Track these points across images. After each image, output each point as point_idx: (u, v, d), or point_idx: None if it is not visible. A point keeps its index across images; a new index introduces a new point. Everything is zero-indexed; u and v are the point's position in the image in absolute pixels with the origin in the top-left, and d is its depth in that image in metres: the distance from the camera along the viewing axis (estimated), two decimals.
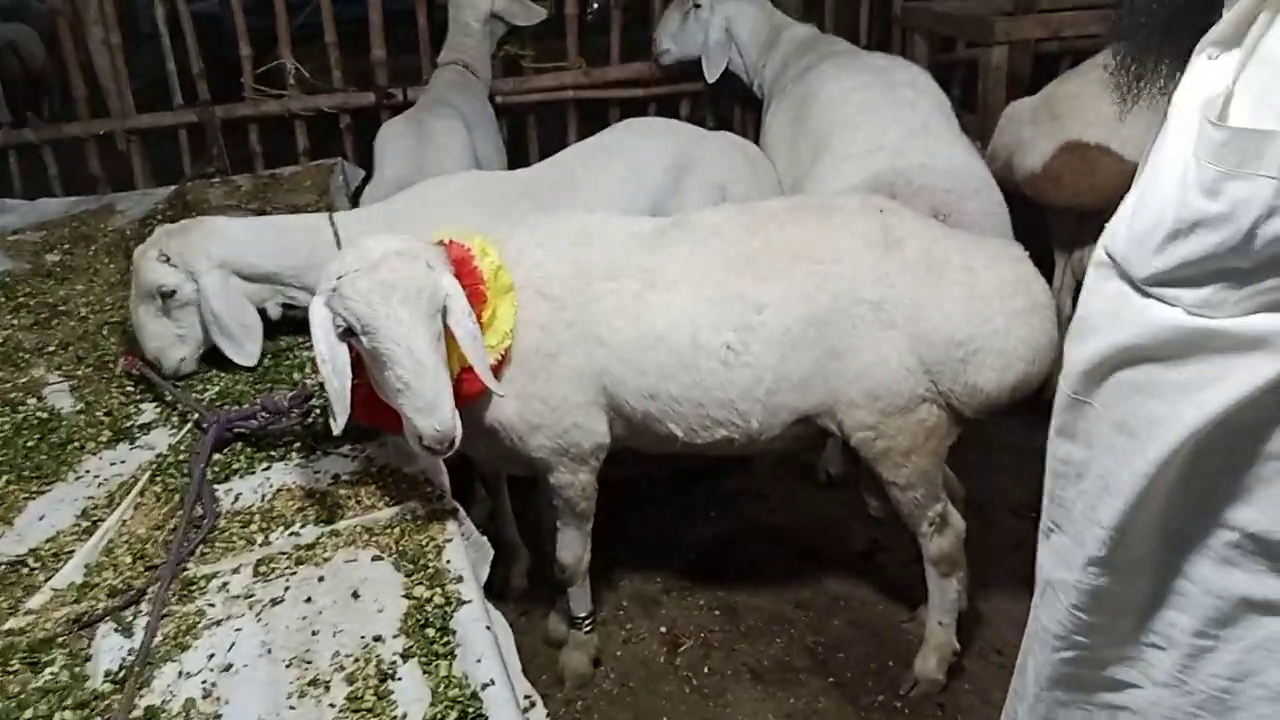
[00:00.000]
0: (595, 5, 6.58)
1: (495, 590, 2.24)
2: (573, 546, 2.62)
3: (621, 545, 3.21)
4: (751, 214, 2.44)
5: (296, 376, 2.66)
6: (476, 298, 2.17)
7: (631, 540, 3.29)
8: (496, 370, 2.23)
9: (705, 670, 2.80)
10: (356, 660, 1.65)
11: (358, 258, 2.02)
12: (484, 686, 1.58)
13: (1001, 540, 3.26)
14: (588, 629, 2.78)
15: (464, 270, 2.19)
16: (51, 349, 2.92)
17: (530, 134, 4.99)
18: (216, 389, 2.66)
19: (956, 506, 2.63)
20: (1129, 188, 3.73)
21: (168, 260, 2.66)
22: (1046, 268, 2.87)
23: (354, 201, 3.89)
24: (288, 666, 1.66)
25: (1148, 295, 1.18)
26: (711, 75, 4.31)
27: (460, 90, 4.13)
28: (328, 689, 1.60)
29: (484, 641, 1.68)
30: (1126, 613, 1.33)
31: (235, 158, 4.76)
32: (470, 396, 2.20)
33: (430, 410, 1.95)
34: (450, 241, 2.26)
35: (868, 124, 3.11)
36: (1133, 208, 1.21)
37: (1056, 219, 3.87)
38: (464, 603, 1.76)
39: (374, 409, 2.15)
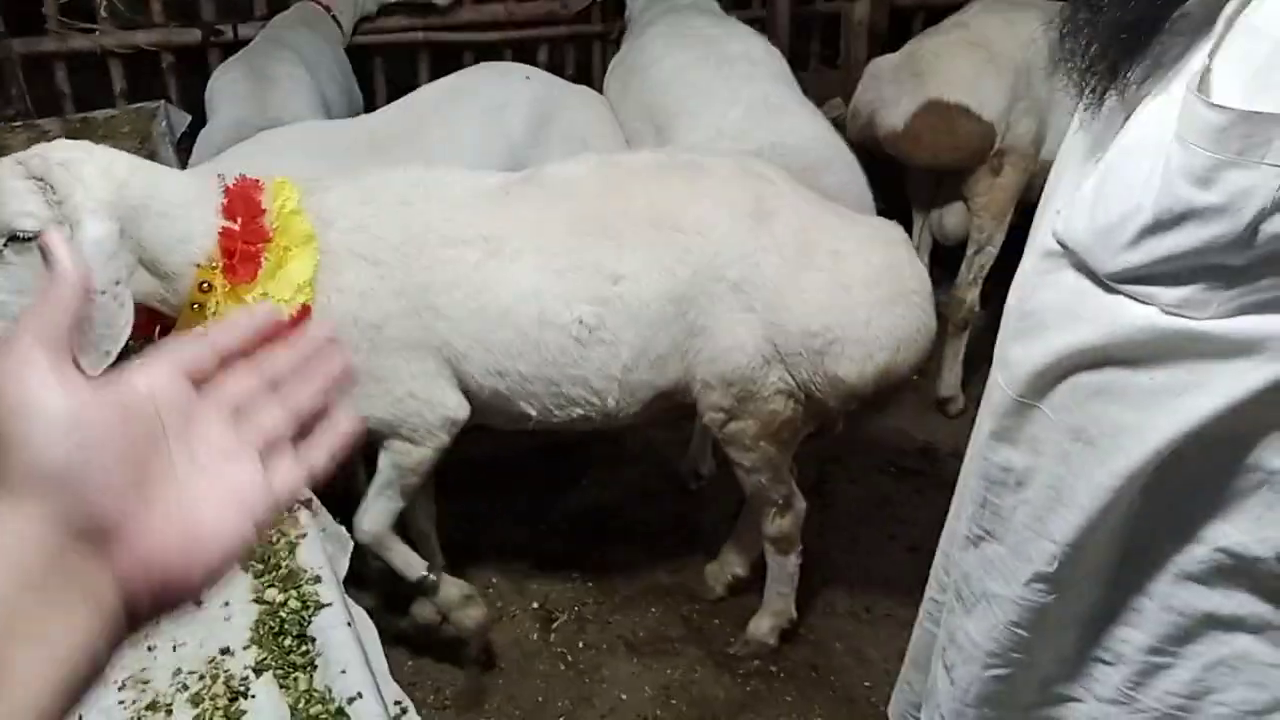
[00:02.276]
0: None
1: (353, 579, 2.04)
2: (380, 517, 2.31)
3: (489, 522, 3.07)
4: (612, 169, 2.26)
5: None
6: (256, 234, 1.98)
7: (499, 516, 3.15)
8: (299, 332, 1.99)
9: (580, 645, 2.72)
10: (202, 678, 1.47)
11: None
12: (350, 701, 1.44)
13: (868, 496, 3.31)
14: (433, 579, 2.42)
15: (239, 203, 1.99)
16: None
17: (378, 78, 4.67)
18: None
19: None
20: (986, 148, 3.78)
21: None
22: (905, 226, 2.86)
23: (179, 149, 3.53)
24: (120, 689, 1.46)
25: (1114, 291, 1.07)
26: None
27: (309, 30, 3.81)
28: (170, 713, 1.43)
29: (348, 649, 1.52)
30: (1071, 626, 1.27)
31: (41, 100, 4.25)
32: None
33: None
34: (240, 176, 2.04)
35: (706, 109, 2.90)
36: (1093, 195, 1.09)
37: (915, 178, 3.91)
38: (323, 606, 1.60)
39: None
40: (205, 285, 1.97)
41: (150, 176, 1.97)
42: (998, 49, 3.50)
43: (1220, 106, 0.93)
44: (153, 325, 2.07)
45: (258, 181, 2.05)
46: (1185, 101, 0.97)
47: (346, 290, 2.07)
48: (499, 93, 2.87)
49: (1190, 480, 1.10)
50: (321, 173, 2.39)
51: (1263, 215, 0.94)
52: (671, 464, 3.38)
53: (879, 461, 3.41)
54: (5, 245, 1.82)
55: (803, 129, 2.83)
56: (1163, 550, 1.15)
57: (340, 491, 1.99)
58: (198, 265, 1.96)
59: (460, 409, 2.23)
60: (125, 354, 2.38)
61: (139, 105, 4.05)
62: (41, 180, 1.81)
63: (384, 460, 2.30)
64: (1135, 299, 1.06)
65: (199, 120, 3.77)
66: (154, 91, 4.32)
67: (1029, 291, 1.22)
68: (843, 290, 2.17)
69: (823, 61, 5.40)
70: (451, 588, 2.46)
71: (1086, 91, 1.11)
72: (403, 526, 2.46)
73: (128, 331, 1.88)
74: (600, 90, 3.35)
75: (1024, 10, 3.65)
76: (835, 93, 4.04)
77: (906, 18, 4.88)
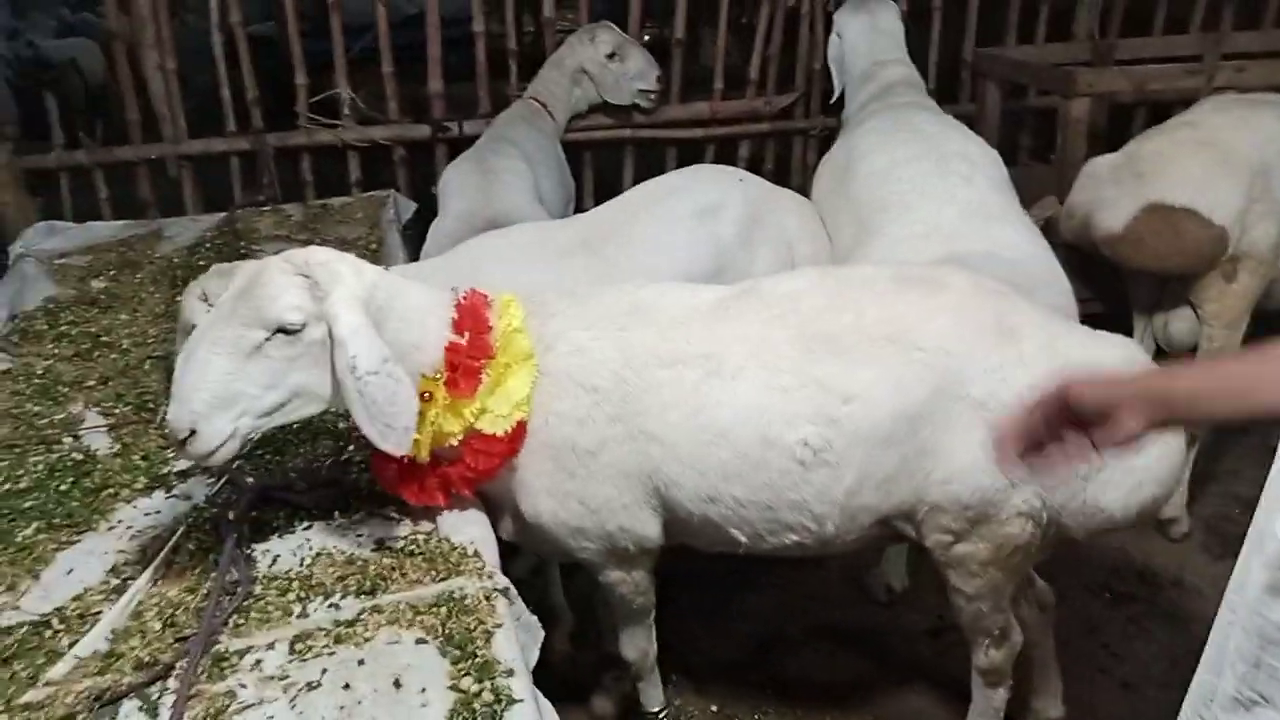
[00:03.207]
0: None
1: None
2: (636, 641, 2.43)
3: (669, 618, 3.04)
4: (837, 282, 2.18)
5: (342, 426, 2.53)
6: (480, 350, 2.03)
7: (679, 612, 3.12)
8: (512, 448, 2.06)
9: None
10: None
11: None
12: None
13: (1075, 620, 3.06)
14: (664, 717, 2.58)
15: (468, 318, 2.05)
16: (91, 383, 2.83)
17: (586, 173, 4.88)
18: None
19: (1043, 611, 2.44)
20: (1217, 253, 3.52)
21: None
22: (1123, 332, 2.67)
23: (412, 236, 3.82)
24: None
25: None
26: (835, 90, 4.00)
27: (527, 125, 4.10)
28: None
29: None
30: None
31: (286, 186, 4.70)
32: (477, 471, 2.06)
33: (176, 399, 1.85)
34: (471, 291, 2.12)
35: (920, 204, 2.81)
36: None
37: (1136, 281, 3.67)
38: (515, 701, 1.61)
39: (405, 478, 2.07)
40: (427, 395, 2.01)
41: (393, 284, 2.05)
42: (1231, 148, 3.28)
43: None
44: None
45: (487, 297, 2.12)
46: None
47: (565, 416, 2.08)
48: (711, 194, 2.89)
49: None
50: (540, 271, 2.49)
51: None
52: (857, 571, 3.26)
53: (1090, 583, 3.16)
54: (270, 338, 1.88)
55: (1019, 243, 2.70)
56: None
57: (536, 600, 2.02)
58: (423, 375, 2.02)
59: (658, 539, 2.20)
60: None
61: (370, 194, 4.42)
62: (308, 278, 1.90)
63: (608, 594, 2.34)
64: None
65: (424, 208, 4.07)
66: (384, 181, 4.72)
67: None
68: None
69: (1033, 156, 5.23)
70: None
71: None
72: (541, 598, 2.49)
73: (415, 404, 1.92)
74: (805, 189, 3.36)
75: (1260, 108, 3.42)
76: (1047, 189, 3.88)
77: (1127, 115, 4.67)
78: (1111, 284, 3.63)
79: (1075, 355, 2.05)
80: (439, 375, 2.02)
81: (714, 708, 2.78)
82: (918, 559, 3.16)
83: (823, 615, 3.14)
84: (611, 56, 4.40)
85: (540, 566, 2.97)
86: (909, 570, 3.17)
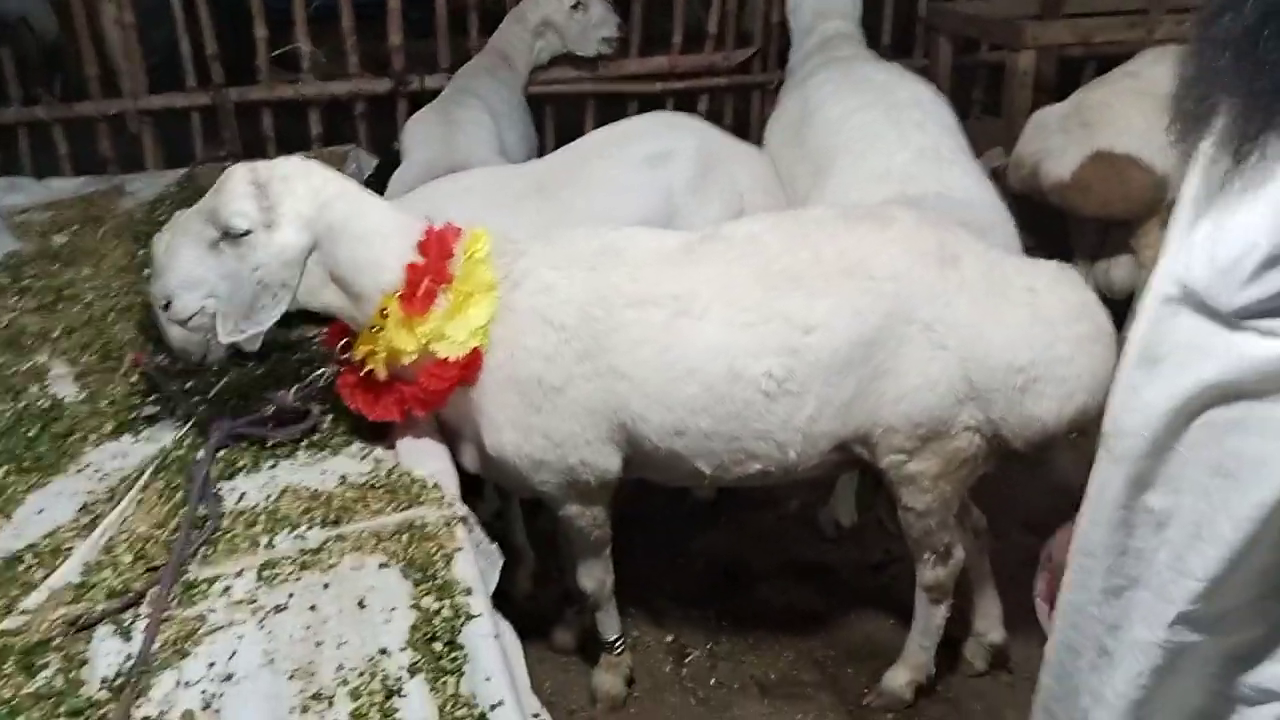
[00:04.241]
0: None
1: (499, 593, 2.19)
2: (593, 572, 2.53)
3: (627, 554, 3.14)
4: (795, 223, 2.29)
5: (305, 372, 2.60)
6: (439, 273, 2.13)
7: (637, 549, 3.23)
8: (465, 374, 2.15)
9: (711, 682, 2.75)
10: (361, 674, 1.60)
11: None
12: (493, 707, 1.54)
13: (1014, 556, 3.20)
14: (619, 651, 2.68)
15: (433, 243, 2.16)
16: (56, 335, 2.86)
17: (548, 125, 4.92)
18: (224, 381, 2.60)
19: (977, 537, 2.57)
20: (1158, 199, 3.63)
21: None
22: None
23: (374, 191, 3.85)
24: (290, 679, 1.60)
25: (1238, 328, 1.11)
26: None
27: (491, 77, 4.13)
28: (331, 704, 1.56)
29: (493, 658, 1.63)
30: (1215, 667, 1.26)
31: (247, 142, 4.70)
32: (429, 393, 2.15)
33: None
34: (447, 223, 2.21)
35: (873, 149, 2.88)
36: (1208, 237, 1.14)
37: (1080, 228, 3.80)
38: (473, 617, 1.71)
39: (364, 393, 2.22)
40: (385, 311, 2.13)
41: (357, 203, 2.19)
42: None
43: None
44: (341, 338, 2.28)
45: (459, 230, 2.21)
46: None
47: (532, 351, 2.15)
48: (663, 141, 2.96)
49: None
50: (494, 214, 2.55)
51: None
52: (808, 510, 3.38)
53: (1028, 520, 3.30)
54: (222, 237, 2.09)
55: (970, 186, 2.79)
56: None
57: (498, 540, 2.11)
58: (384, 292, 2.13)
59: (617, 472, 2.30)
60: (306, 358, 2.63)
61: (332, 148, 4.44)
62: (262, 188, 2.08)
63: (567, 527, 2.43)
64: (1259, 332, 1.09)
65: (386, 163, 4.09)
66: (346, 136, 4.72)
67: (1154, 336, 1.24)
68: (1045, 325, 2.15)
69: (985, 110, 5.33)
70: (616, 659, 2.67)
71: (1199, 139, 1.16)
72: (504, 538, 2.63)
73: (265, 325, 2.13)
74: (759, 140, 3.43)
75: None
76: (997, 142, 3.98)
77: (1075, 68, 4.77)
78: (1055, 233, 3.75)
79: (1013, 279, 2.19)
80: (399, 293, 2.12)
81: (669, 638, 2.89)
82: (865, 497, 3.29)
83: (775, 552, 3.26)
84: (576, 7, 4.43)
85: (502, 509, 3.06)
86: (857, 507, 3.29)
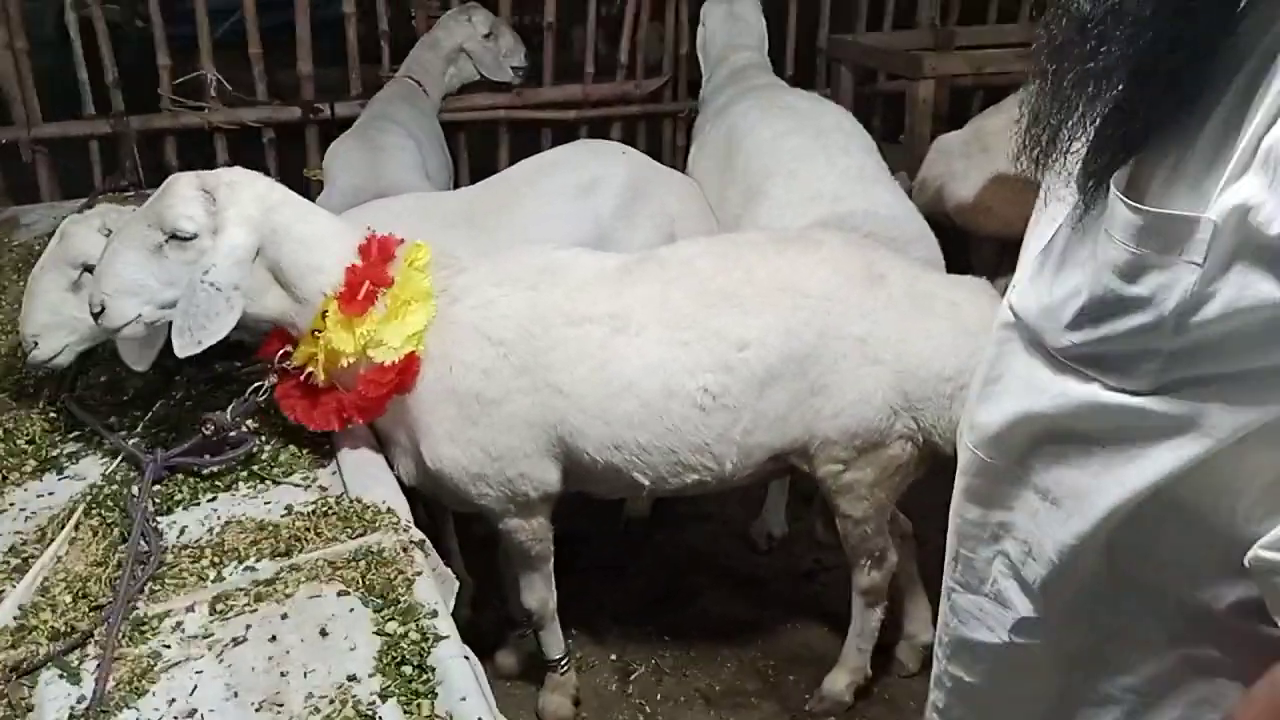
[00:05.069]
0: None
1: None
2: (536, 589, 2.54)
3: (567, 573, 3.16)
4: (729, 245, 2.40)
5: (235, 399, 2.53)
6: (377, 276, 2.16)
7: (575, 569, 3.24)
8: (401, 381, 2.17)
9: (658, 697, 2.78)
10: (332, 702, 1.57)
11: None
12: None
13: (936, 560, 3.33)
14: (563, 670, 2.69)
15: (376, 249, 2.18)
16: None
17: (461, 153, 4.92)
18: (150, 414, 2.52)
19: (904, 542, 2.68)
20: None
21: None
22: None
23: None
24: (258, 710, 1.57)
25: (1063, 368, 1.13)
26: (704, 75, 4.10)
27: (408, 104, 4.12)
28: None
29: (467, 679, 1.62)
30: (1056, 670, 1.29)
31: (150, 171, 4.55)
32: (367, 400, 2.16)
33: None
34: (388, 234, 2.24)
35: (805, 171, 3.04)
36: (1036, 270, 1.16)
37: (980, 247, 4.01)
38: (441, 638, 1.70)
39: (303, 401, 2.21)
40: (325, 312, 2.15)
41: (301, 210, 2.21)
42: None
43: (1139, 208, 0.99)
44: (280, 346, 2.25)
45: (400, 239, 2.24)
46: (1111, 199, 1.03)
47: (470, 365, 2.19)
48: (592, 169, 3.02)
49: (1148, 539, 1.13)
50: (424, 239, 2.55)
51: (1183, 307, 0.97)
52: (741, 524, 3.46)
53: (946, 526, 3.45)
54: (167, 241, 2.09)
55: (893, 203, 2.96)
56: (1135, 600, 1.18)
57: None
58: (324, 294, 2.15)
59: (557, 485, 2.34)
60: (249, 365, 2.56)
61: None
62: (209, 193, 2.10)
63: (508, 543, 2.44)
64: (1081, 376, 1.11)
65: (296, 191, 4.01)
66: (254, 165, 4.55)
67: (995, 358, 1.27)
68: (968, 336, 2.27)
69: (883, 138, 5.57)
70: (561, 679, 2.68)
71: (1047, 170, 1.14)
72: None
73: (222, 333, 2.09)
74: (676, 169, 3.51)
75: None
76: (899, 167, 4.17)
77: (965, 96, 5.05)
78: (955, 253, 3.95)
79: (937, 293, 2.32)
80: (338, 294, 2.14)
81: (613, 656, 2.92)
82: (795, 508, 3.39)
83: (711, 566, 3.33)
84: (488, 35, 4.48)
85: (437, 535, 3.04)
86: (787, 519, 3.39)
